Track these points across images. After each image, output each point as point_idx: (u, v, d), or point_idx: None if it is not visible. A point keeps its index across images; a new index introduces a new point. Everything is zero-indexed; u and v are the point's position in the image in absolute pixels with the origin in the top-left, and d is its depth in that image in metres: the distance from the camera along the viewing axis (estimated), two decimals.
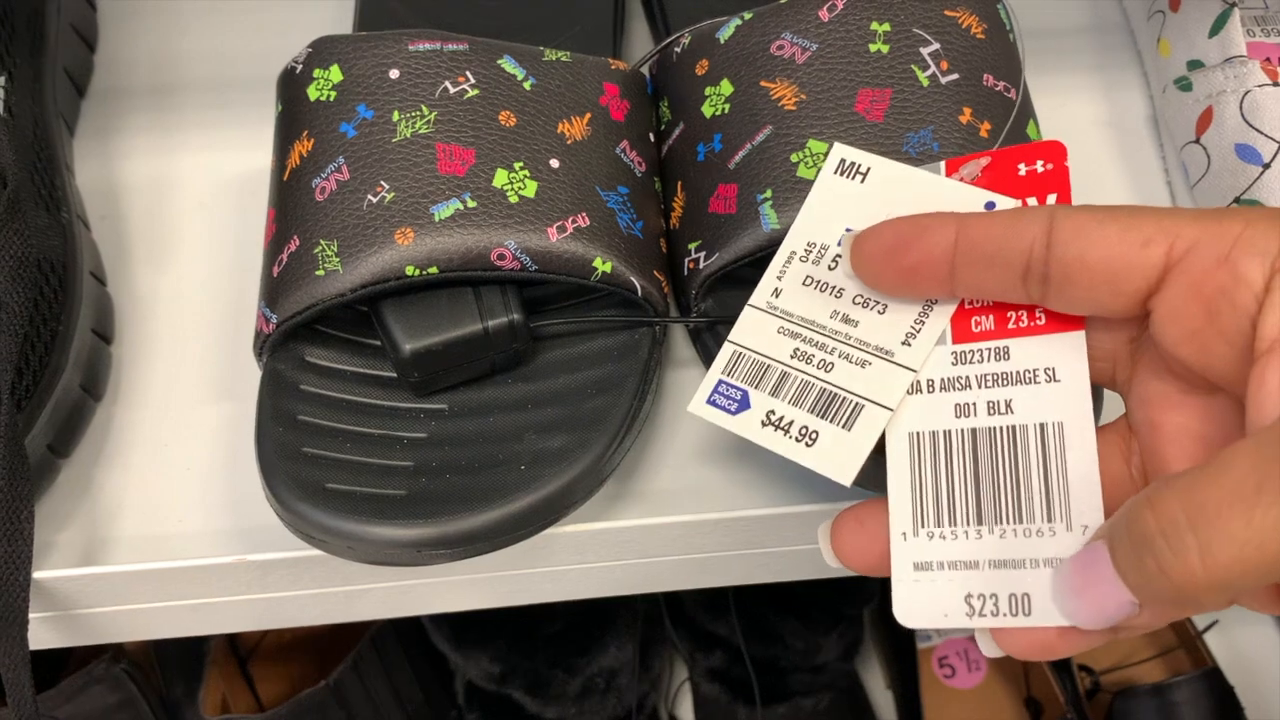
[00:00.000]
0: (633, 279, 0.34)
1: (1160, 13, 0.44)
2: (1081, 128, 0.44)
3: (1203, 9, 0.41)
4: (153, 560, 0.34)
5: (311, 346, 0.34)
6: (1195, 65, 0.41)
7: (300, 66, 0.35)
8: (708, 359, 0.36)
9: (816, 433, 0.29)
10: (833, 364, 0.29)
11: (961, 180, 0.30)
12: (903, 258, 0.28)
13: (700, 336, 0.36)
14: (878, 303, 0.29)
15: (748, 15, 0.35)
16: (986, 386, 0.28)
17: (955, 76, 0.34)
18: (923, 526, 0.27)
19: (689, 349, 0.38)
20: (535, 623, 0.62)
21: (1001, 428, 0.27)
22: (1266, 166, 0.38)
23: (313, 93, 0.34)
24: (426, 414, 0.33)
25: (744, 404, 0.30)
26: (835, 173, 0.31)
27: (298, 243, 0.32)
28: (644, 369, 0.34)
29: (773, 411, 0.29)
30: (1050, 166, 0.29)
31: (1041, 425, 0.27)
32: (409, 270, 0.32)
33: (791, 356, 0.30)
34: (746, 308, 0.31)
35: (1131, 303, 0.25)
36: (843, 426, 0.28)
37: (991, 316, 0.28)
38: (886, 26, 0.34)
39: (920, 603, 0.27)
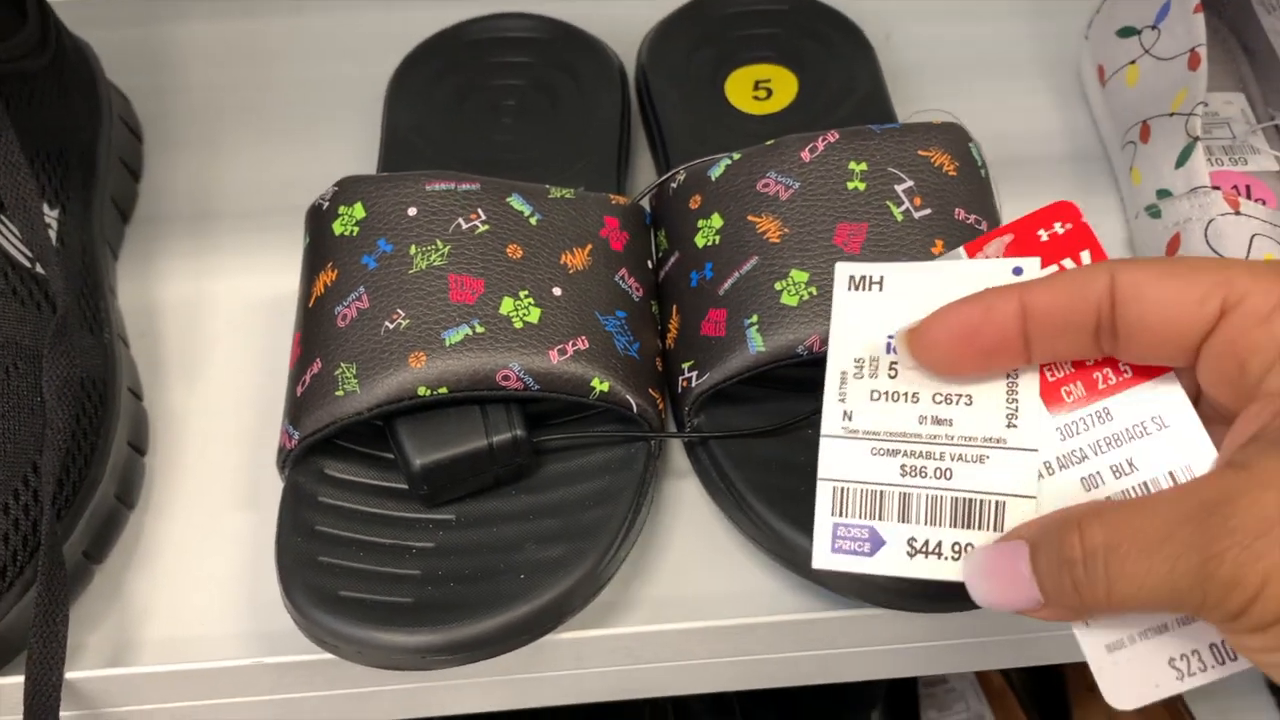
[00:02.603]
0: (629, 397, 0.36)
1: (1132, 143, 0.47)
2: None
3: (1169, 142, 0.44)
4: (176, 662, 0.36)
5: (330, 460, 0.37)
6: (1164, 194, 0.44)
7: (326, 203, 0.38)
8: (702, 471, 0.38)
9: (971, 545, 0.28)
10: (950, 469, 0.28)
11: (986, 258, 0.30)
12: (976, 340, 0.28)
13: (694, 450, 0.39)
14: (960, 395, 0.29)
15: (737, 155, 0.38)
16: (1103, 452, 0.28)
17: (928, 211, 0.36)
18: None
19: (684, 460, 0.40)
20: None
21: (1133, 487, 0.28)
22: None
23: (337, 227, 0.37)
24: (435, 524, 0.36)
25: (876, 540, 0.28)
26: (849, 289, 0.31)
27: (320, 365, 0.35)
28: (640, 482, 0.36)
29: (914, 538, 0.28)
30: (1070, 226, 0.30)
31: (1171, 473, 0.28)
32: (421, 391, 0.34)
33: (902, 474, 0.29)
34: (823, 439, 0.30)
35: (1192, 354, 0.27)
36: (994, 530, 0.28)
37: (1079, 382, 0.29)
38: (863, 165, 0.37)
39: (1128, 682, 0.27)
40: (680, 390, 0.38)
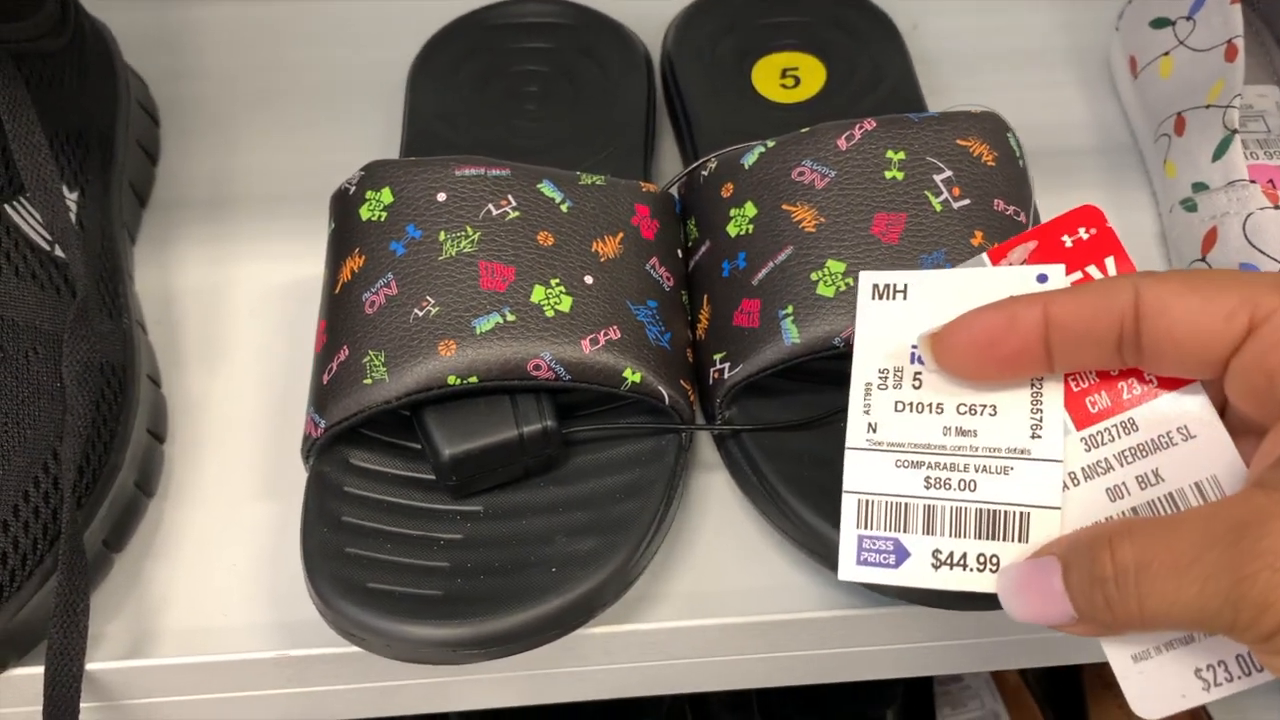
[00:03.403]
0: (660, 389, 0.35)
1: (1166, 136, 0.46)
2: None
3: (1206, 134, 0.43)
4: (197, 653, 0.35)
5: (356, 449, 0.36)
6: (1200, 187, 0.43)
7: (353, 188, 0.37)
8: (732, 464, 0.38)
9: (995, 556, 0.28)
10: (975, 481, 0.29)
11: (1010, 264, 0.30)
12: (998, 348, 0.28)
13: (725, 443, 0.38)
14: (985, 406, 0.29)
15: (771, 143, 0.38)
16: (1129, 463, 0.28)
17: (967, 202, 0.36)
18: None
19: (714, 454, 0.39)
20: (561, 718, 0.63)
21: (1159, 498, 0.28)
22: None
23: (364, 213, 0.36)
24: (463, 515, 0.35)
25: (902, 552, 0.29)
26: (873, 298, 0.31)
27: (347, 352, 0.35)
28: (670, 474, 0.36)
29: (938, 550, 0.28)
30: (1094, 231, 0.30)
31: (1197, 484, 0.28)
32: (451, 380, 0.34)
33: (927, 486, 0.29)
34: (847, 451, 0.30)
35: (1218, 369, 0.27)
36: (1019, 541, 0.28)
37: (1104, 393, 0.29)
38: (901, 155, 0.36)
39: (1155, 691, 0.27)
40: (711, 382, 0.37)
